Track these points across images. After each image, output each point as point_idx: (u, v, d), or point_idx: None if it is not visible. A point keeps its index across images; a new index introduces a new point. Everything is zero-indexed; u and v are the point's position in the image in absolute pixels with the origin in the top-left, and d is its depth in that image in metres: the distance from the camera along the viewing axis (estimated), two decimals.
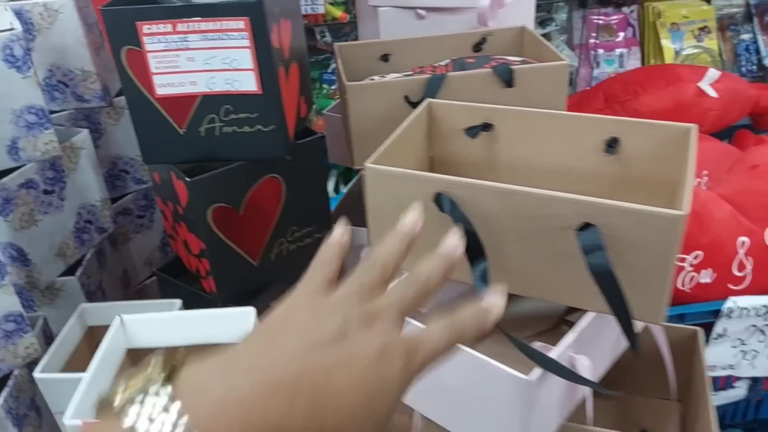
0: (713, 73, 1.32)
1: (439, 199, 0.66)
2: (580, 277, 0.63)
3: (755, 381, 1.24)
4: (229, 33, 0.77)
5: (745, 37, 2.27)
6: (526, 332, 0.81)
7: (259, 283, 0.95)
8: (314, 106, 2.14)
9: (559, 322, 0.84)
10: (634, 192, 0.81)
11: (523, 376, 0.60)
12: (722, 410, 1.29)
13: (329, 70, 2.18)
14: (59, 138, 0.99)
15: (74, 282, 1.05)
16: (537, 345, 0.65)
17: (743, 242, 1.13)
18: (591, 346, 0.67)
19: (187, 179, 0.83)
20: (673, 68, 1.38)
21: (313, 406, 0.31)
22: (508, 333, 0.65)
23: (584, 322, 0.66)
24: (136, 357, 0.73)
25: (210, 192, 0.85)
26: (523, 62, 0.96)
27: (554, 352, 0.62)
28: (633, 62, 2.31)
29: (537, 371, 0.61)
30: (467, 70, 0.94)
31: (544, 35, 2.25)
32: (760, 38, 2.23)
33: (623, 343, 0.84)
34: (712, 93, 1.33)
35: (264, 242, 0.92)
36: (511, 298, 0.80)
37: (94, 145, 1.15)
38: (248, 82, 0.79)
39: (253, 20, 0.76)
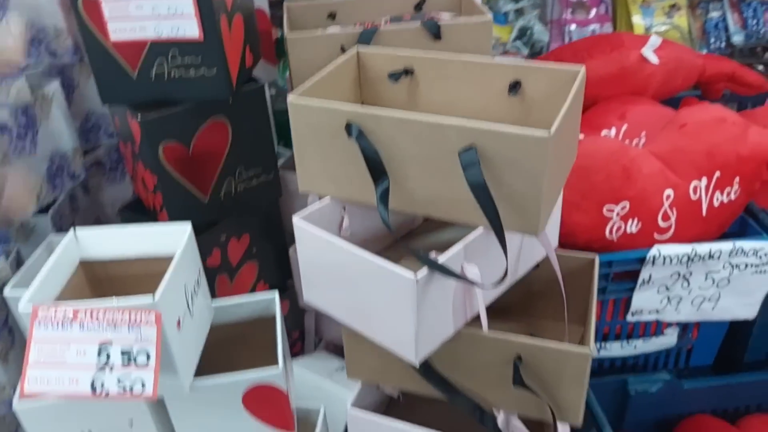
0: (655, 40, 1.40)
1: (348, 128, 0.75)
2: (465, 195, 0.72)
3: (684, 329, 1.33)
4: None
5: (715, 14, 2.32)
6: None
7: (208, 219, 1.04)
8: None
9: None
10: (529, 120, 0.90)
11: (409, 275, 0.69)
12: (654, 357, 1.37)
13: None
14: (31, 88, 1.08)
15: (47, 220, 1.15)
16: (431, 254, 0.74)
17: (668, 195, 1.21)
18: (481, 258, 0.76)
19: (140, 118, 0.92)
20: (618, 35, 1.45)
21: None
22: (406, 244, 0.74)
23: (473, 236, 0.75)
24: (89, 269, 0.82)
25: (161, 130, 0.94)
26: (453, 17, 1.04)
27: (443, 257, 0.71)
28: None
29: (423, 271, 0.70)
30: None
31: (517, 10, 2.32)
32: (730, 16, 2.29)
33: (525, 265, 0.92)
34: (654, 59, 1.40)
35: (213, 180, 1.01)
36: (430, 229, 0.90)
37: (67, 100, 1.24)
38: (191, 29, 0.88)
39: None
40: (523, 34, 2.31)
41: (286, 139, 1.86)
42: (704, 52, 2.33)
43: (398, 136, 0.74)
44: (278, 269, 1.19)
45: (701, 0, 2.33)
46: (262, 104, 1.03)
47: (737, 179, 1.22)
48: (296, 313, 1.22)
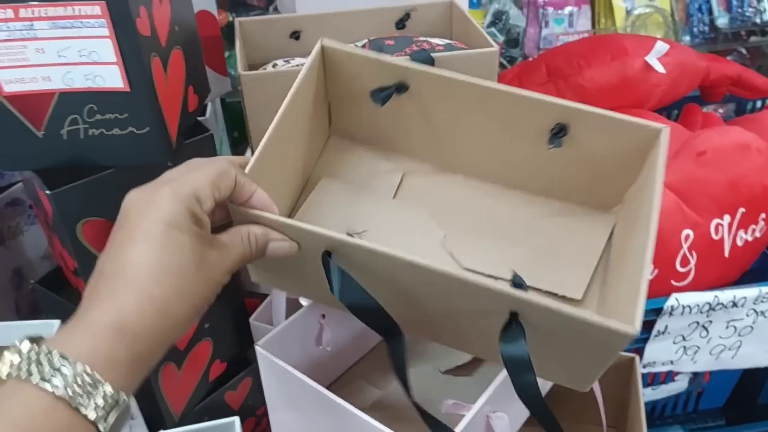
0: (661, 47, 1.23)
1: (326, 264, 0.53)
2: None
3: (696, 373, 1.20)
4: (83, 20, 0.63)
5: None
6: (443, 366, 0.72)
7: None
8: None
9: None
10: (579, 180, 0.69)
11: None
12: (662, 402, 1.25)
13: None
14: None
15: None
16: (448, 404, 0.56)
17: (687, 235, 1.06)
18: (510, 399, 0.59)
19: (48, 191, 0.70)
20: (619, 40, 1.28)
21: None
22: (420, 407, 0.55)
23: (502, 374, 0.57)
24: None
25: (79, 204, 0.73)
26: (447, 47, 0.84)
27: (468, 415, 0.54)
28: (583, 22, 2.21)
29: None
30: None
31: None
32: None
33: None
34: (660, 68, 1.23)
35: None
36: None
37: None
38: (112, 78, 0.66)
39: (111, 4, 0.62)
40: (498, 19, 2.12)
41: (239, 130, 1.64)
42: (687, 36, 2.20)
43: (404, 280, 0.52)
44: (237, 340, 1.00)
45: None
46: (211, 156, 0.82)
47: (763, 215, 1.08)
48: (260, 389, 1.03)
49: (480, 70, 0.79)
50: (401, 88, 0.66)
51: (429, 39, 0.87)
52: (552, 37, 2.15)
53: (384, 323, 0.52)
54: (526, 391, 0.49)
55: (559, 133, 0.64)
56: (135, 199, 0.49)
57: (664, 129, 0.63)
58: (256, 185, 0.53)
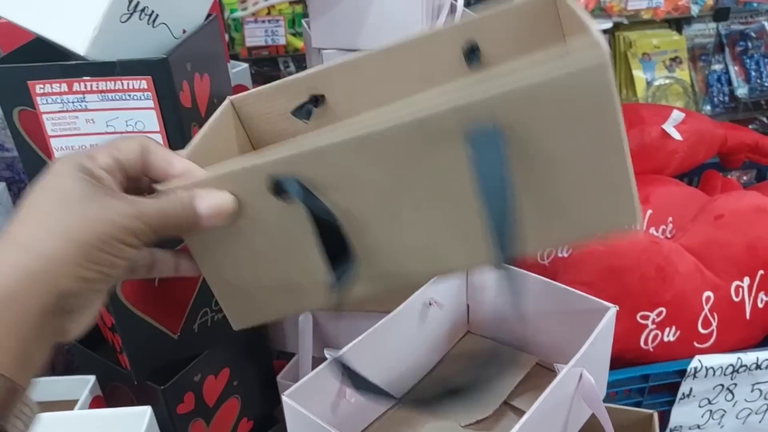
0: (677, 115, 1.27)
1: (279, 187, 0.46)
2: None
3: None
4: (130, 93, 0.70)
5: (717, 67, 2.24)
6: (463, 421, 0.73)
7: (181, 356, 0.87)
8: None
9: (502, 407, 0.76)
10: None
11: None
12: None
13: None
14: None
15: None
16: None
17: (708, 297, 1.07)
18: None
19: None
20: (636, 109, 1.32)
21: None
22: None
23: (531, 410, 0.59)
24: None
25: None
26: None
27: None
28: None
29: None
30: None
31: None
32: (732, 69, 2.20)
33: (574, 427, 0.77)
34: (677, 135, 1.27)
35: (185, 313, 0.84)
36: (446, 385, 0.70)
37: (18, 197, 1.08)
38: None
39: (157, 79, 0.69)
40: None
41: None
42: (708, 106, 2.23)
43: (360, 169, 0.45)
44: (264, 399, 1.02)
45: (702, 53, 2.24)
46: None
47: None
48: None
49: None
50: (318, 99, 0.65)
51: None
52: None
53: (342, 244, 0.46)
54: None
55: (472, 52, 0.60)
56: None
57: None
58: (175, 154, 0.49)
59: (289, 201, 0.47)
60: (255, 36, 1.90)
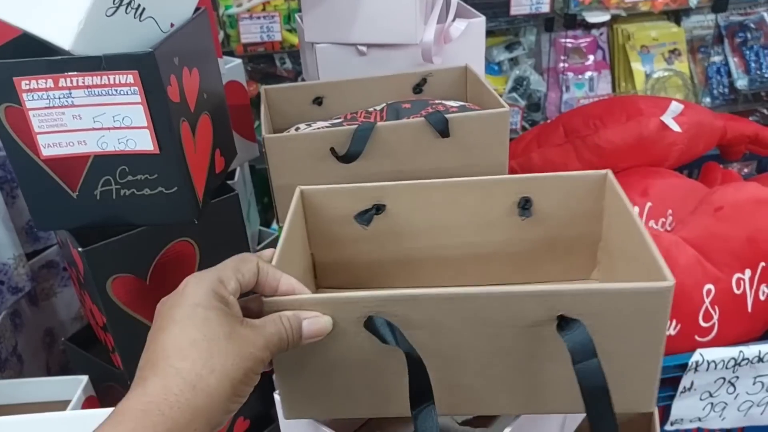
0: (676, 107, 1.25)
1: (372, 324, 0.54)
2: (560, 381, 0.55)
3: (727, 430, 1.17)
4: (117, 88, 0.68)
5: (716, 59, 2.22)
6: (460, 417, 0.72)
7: None
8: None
9: None
10: (553, 256, 0.75)
11: None
12: None
13: None
14: None
15: None
16: None
17: (709, 290, 1.06)
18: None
19: (80, 249, 0.74)
20: (634, 101, 1.31)
21: None
22: None
23: (515, 423, 0.58)
24: None
25: (109, 261, 0.76)
26: (461, 108, 0.88)
27: None
28: (603, 86, 2.25)
29: None
30: (399, 119, 0.86)
31: (511, 59, 2.19)
32: (731, 60, 2.18)
33: (572, 424, 0.76)
34: (676, 127, 1.25)
35: None
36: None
37: (10, 196, 1.06)
38: (143, 141, 0.71)
39: (143, 74, 0.67)
40: (519, 84, 2.18)
41: (269, 196, 1.69)
42: (707, 98, 2.22)
43: (445, 320, 0.54)
44: (261, 397, 1.01)
45: (701, 44, 2.23)
46: (236, 217, 0.86)
47: None
48: None
49: (492, 130, 0.82)
50: (379, 207, 0.74)
51: (444, 101, 0.91)
52: (573, 100, 2.20)
53: (424, 383, 0.51)
54: (589, 377, 0.48)
55: (525, 204, 0.72)
56: (166, 296, 0.52)
57: (608, 172, 0.71)
58: (282, 273, 0.54)
59: (375, 334, 0.54)
60: (250, 32, 1.89)
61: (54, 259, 1.18)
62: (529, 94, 2.21)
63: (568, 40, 2.16)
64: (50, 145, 0.71)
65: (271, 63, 2.10)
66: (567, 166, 1.32)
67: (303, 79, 2.12)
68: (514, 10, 1.99)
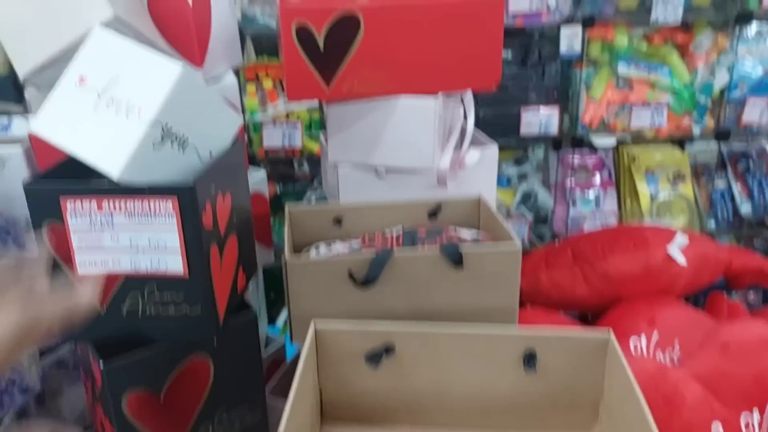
0: (682, 239, 1.29)
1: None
2: None
3: None
4: (156, 214, 0.73)
5: (720, 185, 2.28)
6: None
7: None
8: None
9: None
10: (555, 410, 0.78)
11: None
12: None
13: (305, 200, 2.18)
14: None
15: None
16: None
17: (717, 429, 1.05)
18: None
19: (102, 364, 0.76)
20: (641, 231, 1.35)
21: None
22: None
23: None
24: None
25: (127, 377, 0.78)
26: (474, 241, 0.92)
27: None
28: (609, 204, 2.30)
29: None
30: (415, 246, 0.90)
31: (520, 175, 2.26)
32: (735, 187, 2.25)
33: None
34: (682, 260, 1.29)
35: (188, 429, 0.84)
36: None
37: None
38: (174, 264, 0.74)
39: (182, 203, 0.72)
40: (528, 198, 2.24)
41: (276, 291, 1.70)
42: (712, 222, 2.26)
43: None
44: None
45: (705, 170, 2.29)
46: (252, 335, 0.88)
47: None
48: None
49: (504, 265, 0.86)
50: (389, 349, 0.77)
51: (459, 230, 0.95)
52: (580, 217, 2.24)
53: None
54: None
55: (530, 360, 0.75)
56: None
57: (610, 334, 0.75)
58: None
59: None
60: (273, 138, 1.97)
61: (65, 359, 1.19)
62: (537, 209, 2.26)
63: (575, 157, 2.23)
64: (86, 264, 0.75)
65: (290, 165, 2.17)
66: (574, 290, 1.35)
67: (320, 183, 2.19)
68: (524, 131, 2.07)
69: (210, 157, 0.81)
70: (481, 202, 1.05)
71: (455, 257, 0.85)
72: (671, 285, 1.32)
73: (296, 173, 2.21)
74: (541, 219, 2.26)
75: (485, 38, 1.07)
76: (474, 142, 1.22)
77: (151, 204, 0.72)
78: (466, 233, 0.94)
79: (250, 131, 2.01)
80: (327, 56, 1.03)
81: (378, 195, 1.15)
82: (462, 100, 1.19)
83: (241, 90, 1.88)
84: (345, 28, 1.02)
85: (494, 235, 0.97)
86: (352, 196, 1.15)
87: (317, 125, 2.01)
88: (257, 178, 1.25)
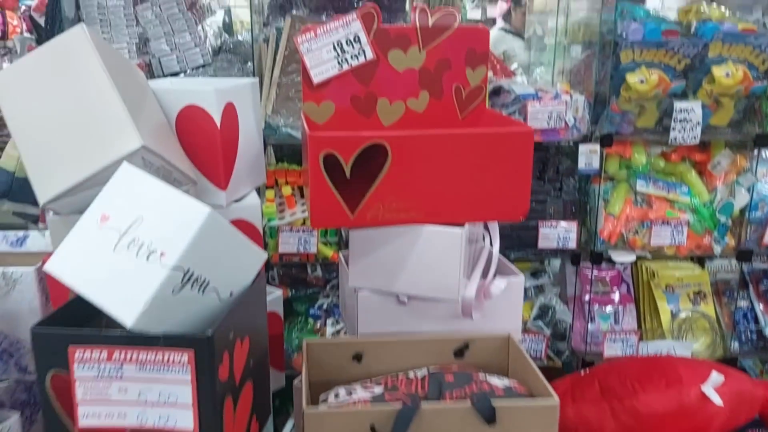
0: (717, 378, 1.23)
1: None
2: None
3: None
4: (169, 366, 0.68)
5: (743, 304, 2.22)
6: None
7: None
8: (295, 343, 2.04)
9: None
10: None
11: None
12: None
13: (316, 306, 2.12)
14: None
15: None
16: None
17: None
18: None
19: None
20: (674, 365, 1.28)
21: None
22: None
23: None
24: None
25: None
26: (507, 392, 0.86)
27: None
28: (629, 320, 2.24)
29: None
30: (443, 395, 0.84)
31: (537, 287, 2.21)
32: (758, 307, 2.18)
33: None
34: (717, 400, 1.22)
35: None
36: None
37: (29, 420, 1.02)
38: (184, 420, 0.68)
39: (198, 354, 0.67)
40: (545, 312, 2.17)
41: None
42: (735, 343, 2.18)
43: None
44: None
45: (726, 288, 2.24)
46: None
47: None
48: None
49: (541, 423, 0.79)
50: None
51: (488, 378, 0.89)
52: (599, 333, 2.17)
53: None
54: None
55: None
56: None
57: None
58: None
59: None
60: (288, 243, 1.94)
61: None
62: (555, 323, 2.19)
63: (593, 270, 2.19)
64: (89, 416, 0.69)
65: (303, 269, 2.13)
66: (603, 427, 1.27)
67: (333, 288, 2.15)
68: (542, 245, 2.04)
69: (230, 296, 0.77)
70: (511, 341, 0.99)
71: (487, 412, 0.78)
72: (706, 425, 1.24)
73: (309, 277, 2.16)
74: (559, 335, 2.19)
75: (514, 170, 1.05)
76: (499, 271, 1.18)
77: (165, 356, 0.68)
78: (497, 381, 0.88)
79: (266, 236, 1.99)
80: (353, 184, 1.01)
81: (399, 323, 1.10)
82: (486, 226, 1.16)
83: (260, 194, 1.88)
84: (372, 157, 1.01)
85: (525, 380, 0.91)
86: (372, 323, 1.10)
87: (333, 231, 1.99)
88: (273, 296, 1.20)
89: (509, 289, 1.14)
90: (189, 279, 0.69)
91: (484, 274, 1.14)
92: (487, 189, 1.05)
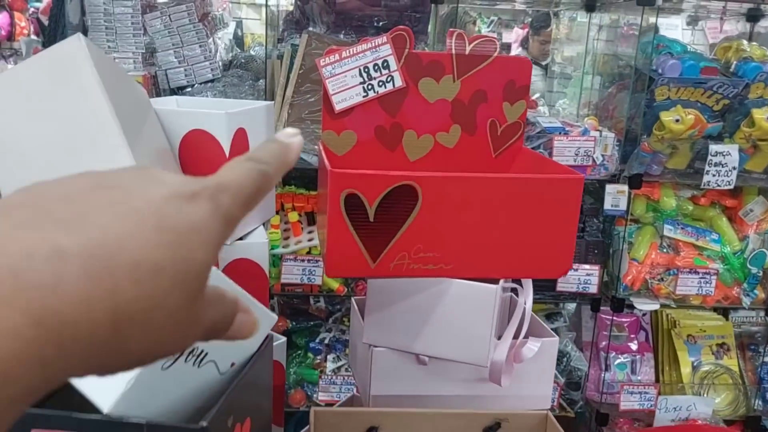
0: None
1: None
2: None
3: None
4: None
5: None
6: None
7: None
8: (292, 378, 1.92)
9: None
10: None
11: None
12: None
13: (317, 339, 2.00)
14: None
15: None
16: None
17: None
18: None
19: None
20: None
21: None
22: None
23: None
24: None
25: None
26: None
27: None
28: (646, 371, 2.13)
29: None
30: None
31: (553, 330, 2.08)
32: None
33: None
34: None
35: None
36: None
37: None
38: None
39: None
40: (559, 359, 2.05)
41: None
42: (759, 401, 2.07)
43: None
44: None
45: (751, 341, 2.13)
46: None
47: None
48: None
49: None
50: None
51: None
52: (615, 384, 2.05)
53: None
54: None
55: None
56: None
57: None
58: None
59: None
60: (292, 273, 1.82)
61: None
62: (570, 371, 2.07)
63: (610, 316, 2.07)
64: None
65: (305, 300, 2.02)
66: None
67: (335, 322, 2.02)
68: (561, 287, 1.93)
69: (230, 368, 0.64)
70: (549, 421, 0.87)
71: None
72: None
73: (311, 308, 2.04)
74: (572, 382, 2.06)
75: (559, 221, 0.93)
76: (532, 331, 1.06)
77: None
78: None
79: (269, 264, 1.86)
80: (377, 229, 0.88)
81: (417, 386, 0.98)
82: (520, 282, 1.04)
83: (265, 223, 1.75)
84: (398, 200, 0.89)
85: None
86: (387, 384, 0.98)
87: None
88: (276, 344, 1.07)
89: (542, 351, 1.02)
90: (183, 351, 0.57)
91: (516, 335, 1.01)
92: (527, 241, 0.92)
